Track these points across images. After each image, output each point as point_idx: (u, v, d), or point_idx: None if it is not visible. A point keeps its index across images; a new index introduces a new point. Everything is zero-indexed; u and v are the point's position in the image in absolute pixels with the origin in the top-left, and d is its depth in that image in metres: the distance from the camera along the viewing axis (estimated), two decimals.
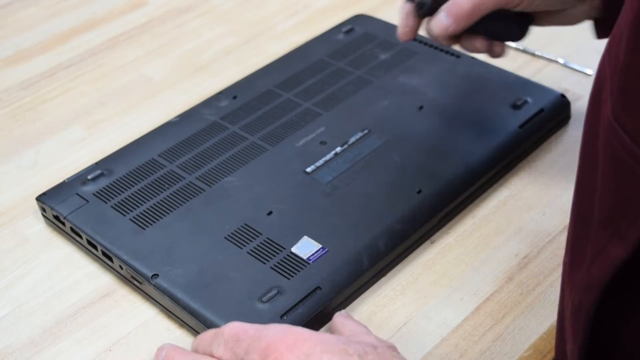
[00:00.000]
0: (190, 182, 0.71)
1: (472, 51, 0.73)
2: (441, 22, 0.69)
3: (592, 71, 0.84)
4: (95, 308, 0.65)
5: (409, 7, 0.71)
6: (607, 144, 0.44)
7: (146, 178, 0.71)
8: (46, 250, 0.70)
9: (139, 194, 0.70)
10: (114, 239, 0.66)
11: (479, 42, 0.71)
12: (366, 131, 0.75)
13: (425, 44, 0.86)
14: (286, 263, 0.63)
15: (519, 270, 0.66)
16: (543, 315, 0.62)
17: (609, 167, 0.44)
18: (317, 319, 0.61)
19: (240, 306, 0.60)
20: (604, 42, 0.95)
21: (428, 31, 0.71)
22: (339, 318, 0.60)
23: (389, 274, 0.66)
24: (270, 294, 0.61)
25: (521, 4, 0.68)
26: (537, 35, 0.90)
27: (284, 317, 0.60)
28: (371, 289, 0.65)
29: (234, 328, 0.54)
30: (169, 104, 0.84)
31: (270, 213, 0.67)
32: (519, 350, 0.60)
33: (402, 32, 0.73)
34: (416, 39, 0.87)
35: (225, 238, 0.66)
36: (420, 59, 0.84)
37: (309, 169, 0.71)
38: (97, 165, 0.73)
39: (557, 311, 0.56)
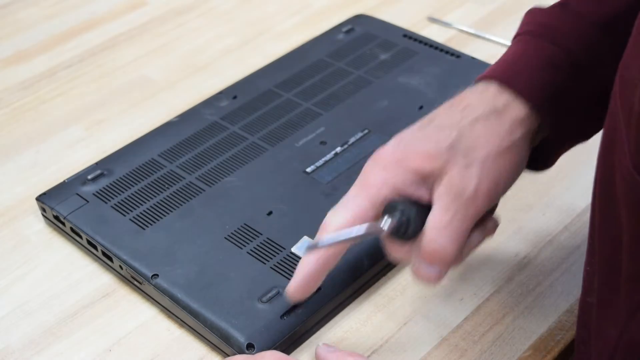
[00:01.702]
0: (190, 182, 0.71)
1: (468, 255, 0.56)
2: (428, 274, 0.54)
3: None
4: (95, 308, 0.65)
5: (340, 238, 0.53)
6: (632, 200, 0.42)
7: (146, 178, 0.71)
8: (46, 250, 0.70)
9: (139, 194, 0.70)
10: (114, 239, 0.66)
11: (474, 237, 0.55)
12: (366, 131, 0.75)
13: (425, 44, 0.86)
14: (286, 263, 0.63)
15: (519, 270, 0.66)
16: (543, 315, 0.62)
17: (638, 224, 0.43)
18: (316, 320, 0.62)
19: (240, 306, 0.60)
20: None
21: (414, 272, 0.55)
22: (331, 355, 0.56)
23: (388, 274, 0.66)
24: (270, 294, 0.61)
25: (496, 203, 0.57)
26: None
27: (284, 317, 0.60)
28: (371, 289, 0.65)
29: (275, 355, 0.54)
30: (169, 104, 0.84)
31: (270, 213, 0.67)
32: (519, 350, 0.60)
33: (302, 284, 0.56)
34: (416, 39, 0.87)
35: (225, 238, 0.66)
36: (420, 59, 0.84)
37: (309, 169, 0.71)
38: (97, 165, 0.73)
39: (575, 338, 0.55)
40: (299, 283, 0.56)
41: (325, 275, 0.56)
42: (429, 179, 0.53)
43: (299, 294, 0.56)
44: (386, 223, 0.53)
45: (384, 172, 0.54)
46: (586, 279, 0.51)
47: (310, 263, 0.55)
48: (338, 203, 0.55)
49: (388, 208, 0.54)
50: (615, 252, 0.45)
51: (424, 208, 0.53)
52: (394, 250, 0.56)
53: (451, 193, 0.52)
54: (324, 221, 0.55)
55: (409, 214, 0.53)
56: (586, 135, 0.59)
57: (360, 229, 0.53)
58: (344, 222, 0.54)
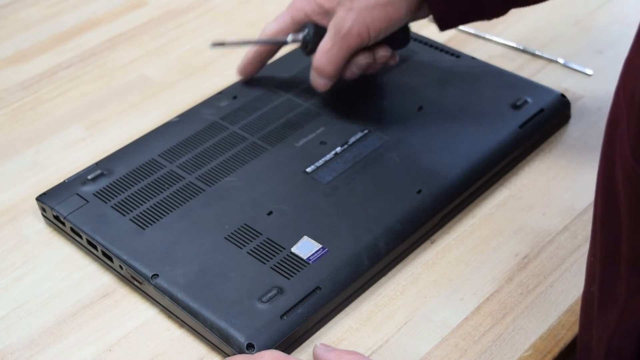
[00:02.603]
0: (190, 182, 0.71)
1: (358, 72, 0.75)
2: (317, 81, 0.74)
3: (591, 71, 0.84)
4: (95, 308, 0.65)
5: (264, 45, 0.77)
6: (631, 188, 0.43)
7: (146, 178, 0.71)
8: (46, 250, 0.70)
9: (139, 194, 0.70)
10: (114, 239, 0.66)
11: (361, 58, 0.74)
12: (366, 131, 0.75)
13: (425, 44, 0.86)
14: (286, 263, 0.63)
15: (519, 270, 0.66)
16: (543, 315, 0.62)
17: (636, 212, 0.44)
18: (316, 319, 0.62)
19: (240, 306, 0.60)
20: (604, 43, 0.95)
21: (310, 79, 0.75)
22: (329, 354, 0.57)
23: (389, 274, 0.66)
24: (270, 294, 0.61)
25: (369, 43, 0.73)
26: (537, 35, 0.90)
27: (284, 317, 0.60)
28: (371, 289, 0.65)
29: (274, 354, 0.55)
30: (169, 104, 0.84)
31: (270, 213, 0.67)
32: (519, 350, 0.60)
33: (246, 65, 0.80)
34: (416, 38, 0.87)
35: (225, 238, 0.66)
36: (420, 59, 0.84)
37: (309, 169, 0.71)
38: (97, 165, 0.73)
39: (578, 332, 0.56)
40: (242, 63, 0.81)
41: (260, 64, 0.81)
42: (329, 13, 0.73)
43: (241, 71, 0.81)
44: (291, 37, 0.75)
45: (304, 1, 0.75)
46: (589, 269, 0.53)
47: (249, 53, 0.80)
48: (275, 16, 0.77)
49: (301, 28, 0.75)
50: (615, 240, 0.47)
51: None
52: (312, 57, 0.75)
53: (333, 28, 0.72)
54: (262, 28, 0.78)
55: (310, 36, 0.74)
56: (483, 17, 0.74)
57: (267, 39, 0.77)
58: (273, 30, 0.77)
